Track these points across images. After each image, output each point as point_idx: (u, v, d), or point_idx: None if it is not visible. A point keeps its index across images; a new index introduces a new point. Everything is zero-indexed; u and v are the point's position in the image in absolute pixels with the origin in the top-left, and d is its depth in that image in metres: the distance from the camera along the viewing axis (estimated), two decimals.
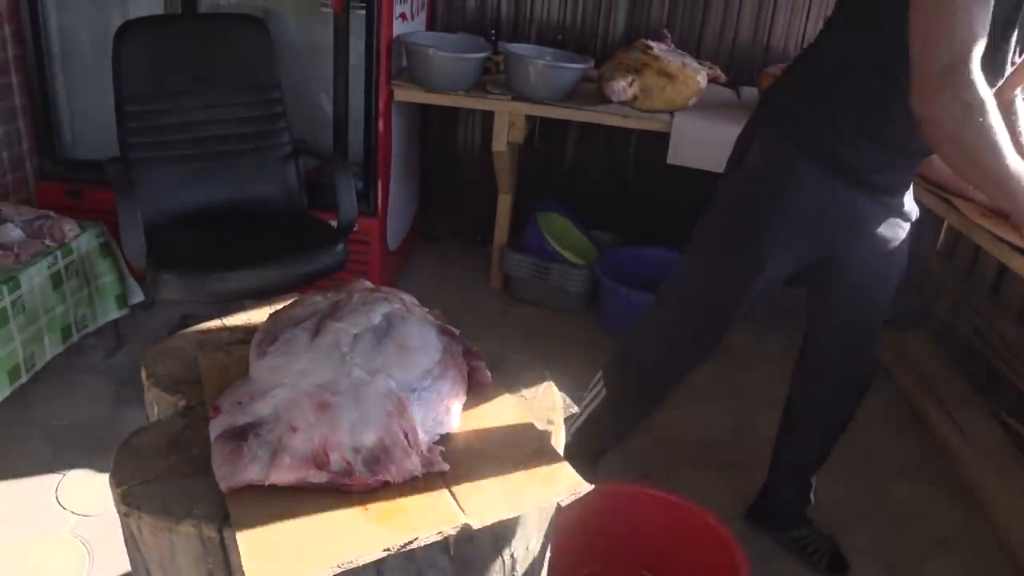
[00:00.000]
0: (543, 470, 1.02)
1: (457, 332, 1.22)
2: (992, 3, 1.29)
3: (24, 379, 2.43)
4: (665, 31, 3.43)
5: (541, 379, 1.24)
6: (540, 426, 1.13)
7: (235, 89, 2.65)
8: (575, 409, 1.20)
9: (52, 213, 2.68)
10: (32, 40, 3.09)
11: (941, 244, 3.35)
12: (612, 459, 2.18)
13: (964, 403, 2.82)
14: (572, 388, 1.28)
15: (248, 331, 1.36)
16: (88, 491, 2.24)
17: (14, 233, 2.52)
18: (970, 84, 1.30)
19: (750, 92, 3.44)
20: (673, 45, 3.29)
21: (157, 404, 1.23)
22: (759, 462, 2.31)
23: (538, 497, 0.98)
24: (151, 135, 2.55)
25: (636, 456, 2.53)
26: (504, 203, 3.47)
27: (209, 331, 1.37)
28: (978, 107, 1.31)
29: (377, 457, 0.96)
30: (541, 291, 3.41)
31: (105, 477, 2.24)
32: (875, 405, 2.95)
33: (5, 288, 2.32)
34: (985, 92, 1.31)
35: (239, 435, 0.97)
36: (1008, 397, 2.75)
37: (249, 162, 2.66)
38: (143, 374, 1.25)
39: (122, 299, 2.81)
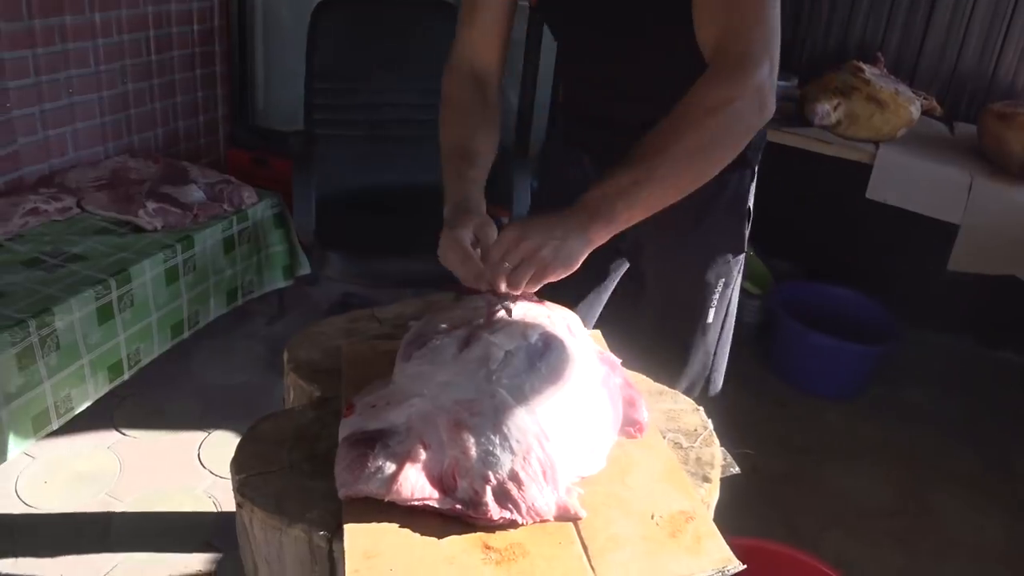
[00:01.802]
0: (690, 536, 0.89)
1: (618, 362, 1.11)
2: None
3: (186, 335, 2.50)
4: (879, 54, 3.17)
5: (703, 427, 1.10)
6: (694, 482, 0.99)
7: (421, 74, 2.63)
8: (735, 470, 1.06)
9: (234, 179, 2.75)
10: (238, 11, 3.20)
11: None
12: (755, 508, 2.01)
13: None
14: (733, 441, 1.14)
15: (397, 325, 1.30)
16: (228, 454, 2.26)
17: (196, 194, 2.60)
18: None
19: (966, 128, 3.13)
20: (886, 69, 3.05)
21: (293, 390, 1.18)
22: (927, 540, 2.07)
23: (680, 567, 0.85)
24: (335, 112, 2.58)
25: (785, 509, 2.34)
26: None
27: (358, 320, 1.32)
28: None
29: (508, 491, 0.86)
30: None
31: None
32: None
33: (180, 246, 2.39)
34: None
35: (366, 442, 0.90)
36: None
37: (427, 148, 2.62)
38: (284, 357, 1.21)
39: (289, 270, 2.86)
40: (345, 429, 0.94)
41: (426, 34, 2.65)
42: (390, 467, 0.87)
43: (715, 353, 1.61)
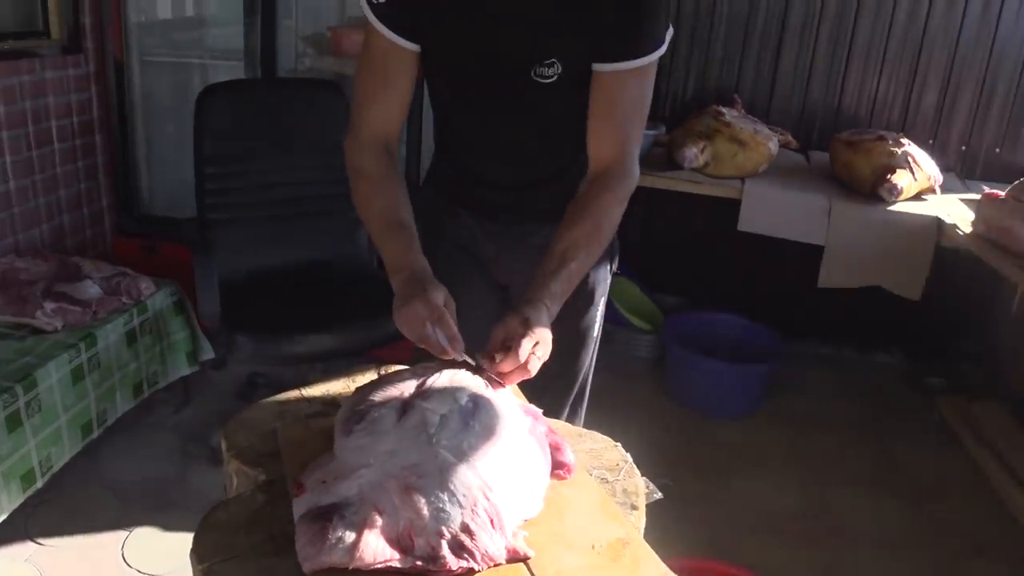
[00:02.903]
0: (629, 559, 0.99)
1: (540, 412, 1.21)
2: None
3: (95, 434, 2.47)
4: (736, 96, 3.43)
5: (624, 461, 1.21)
6: (624, 511, 1.10)
7: (311, 152, 2.70)
8: (659, 495, 1.17)
9: (129, 271, 2.74)
10: (117, 100, 3.20)
11: (1016, 310, 3.26)
12: (679, 529, 2.13)
13: None
14: (649, 472, 1.25)
15: (327, 403, 1.36)
16: (153, 550, 2.25)
17: (92, 290, 2.58)
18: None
19: (820, 157, 3.41)
20: (743, 110, 3.29)
21: (237, 476, 1.23)
22: (832, 537, 2.24)
23: None
24: (228, 196, 2.61)
25: (704, 527, 2.48)
26: None
27: (287, 402, 1.37)
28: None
29: (462, 542, 0.94)
30: (604, 356, 3.37)
31: (170, 536, 2.28)
32: (946, 476, 2.88)
33: (83, 345, 2.38)
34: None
35: (323, 516, 0.96)
36: None
37: (323, 224, 2.70)
38: (223, 445, 1.26)
39: (192, 356, 2.86)
40: (300, 507, 1.00)
41: (313, 112, 2.72)
42: (350, 536, 0.94)
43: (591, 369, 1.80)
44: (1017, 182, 2.63)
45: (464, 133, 1.59)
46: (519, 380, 1.21)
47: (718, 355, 3.11)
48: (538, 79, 1.40)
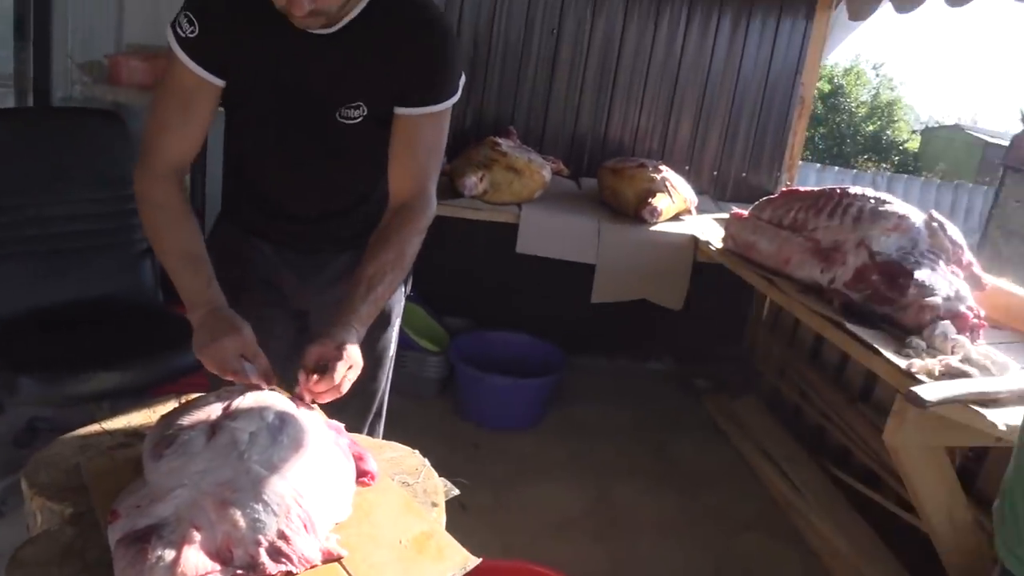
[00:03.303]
0: (433, 549, 1.11)
1: (342, 426, 1.30)
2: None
3: None
4: (511, 128, 3.65)
5: (423, 466, 1.33)
6: (425, 509, 1.21)
7: (91, 184, 2.61)
8: (456, 492, 1.30)
9: None
10: None
11: (766, 316, 3.68)
12: (477, 536, 2.26)
13: (795, 460, 3.08)
14: (447, 472, 1.37)
15: (129, 435, 1.38)
16: None
17: None
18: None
19: (590, 183, 3.70)
20: (519, 140, 3.51)
21: (40, 514, 1.22)
22: (618, 529, 2.44)
23: (432, 573, 1.07)
24: (3, 231, 2.48)
25: (496, 533, 2.61)
26: None
27: (88, 436, 1.38)
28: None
29: (279, 548, 1.02)
30: (398, 379, 3.46)
31: None
32: (715, 466, 3.21)
33: None
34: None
35: (141, 538, 1.01)
36: (834, 451, 3.04)
37: (106, 257, 2.62)
38: (23, 485, 1.25)
39: None
40: (116, 533, 1.04)
41: (91, 143, 2.63)
42: (170, 554, 0.99)
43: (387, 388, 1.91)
44: (757, 202, 2.99)
45: (265, 167, 1.64)
46: (330, 399, 1.30)
47: (503, 371, 3.28)
48: (342, 120, 1.51)
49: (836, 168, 12.28)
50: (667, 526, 2.80)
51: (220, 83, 1.47)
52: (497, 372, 3.26)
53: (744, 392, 3.67)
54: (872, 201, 2.56)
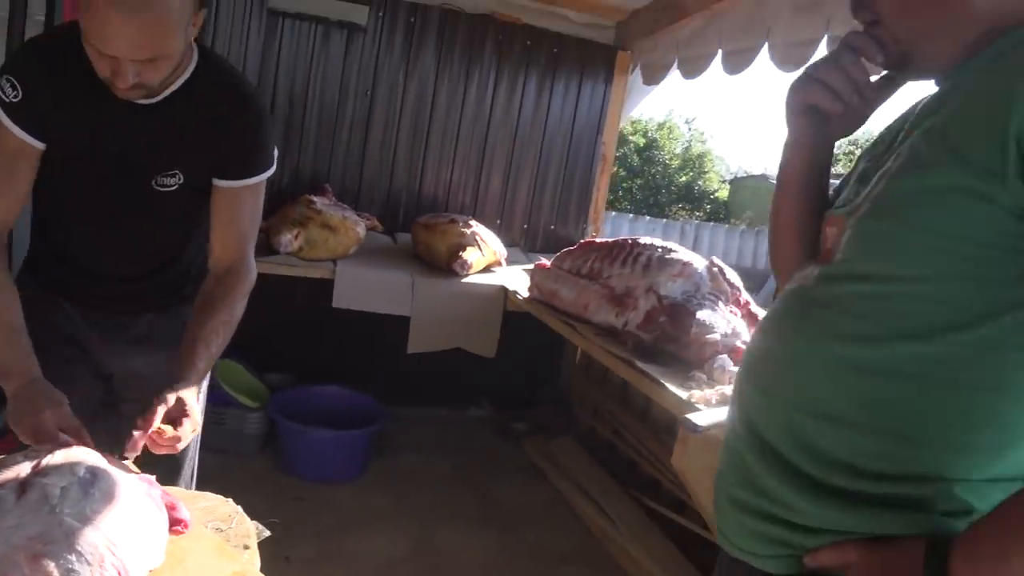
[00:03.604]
0: None
1: (153, 478, 1.35)
2: None
3: None
4: (326, 185, 3.74)
5: (236, 512, 1.39)
6: (238, 551, 1.28)
7: None
8: (268, 533, 1.37)
9: None
10: None
11: (579, 360, 3.91)
12: None
13: (609, 494, 3.29)
14: (263, 518, 1.44)
15: None
16: None
17: None
18: None
19: (404, 238, 3.84)
20: (334, 198, 3.61)
21: None
22: (440, 572, 2.53)
23: None
24: None
25: None
26: None
27: None
28: None
29: None
30: (218, 436, 3.43)
31: None
32: (535, 505, 3.37)
33: None
34: None
35: None
36: (645, 483, 3.27)
37: None
38: None
39: None
40: None
41: None
42: None
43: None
44: (558, 254, 3.22)
45: (76, 228, 1.67)
46: (166, 453, 1.37)
47: (324, 424, 3.33)
48: (159, 187, 1.57)
49: (648, 217, 12.95)
50: (489, 565, 2.92)
51: (41, 146, 1.50)
52: (319, 425, 3.30)
53: (562, 433, 3.87)
54: (660, 250, 2.83)
